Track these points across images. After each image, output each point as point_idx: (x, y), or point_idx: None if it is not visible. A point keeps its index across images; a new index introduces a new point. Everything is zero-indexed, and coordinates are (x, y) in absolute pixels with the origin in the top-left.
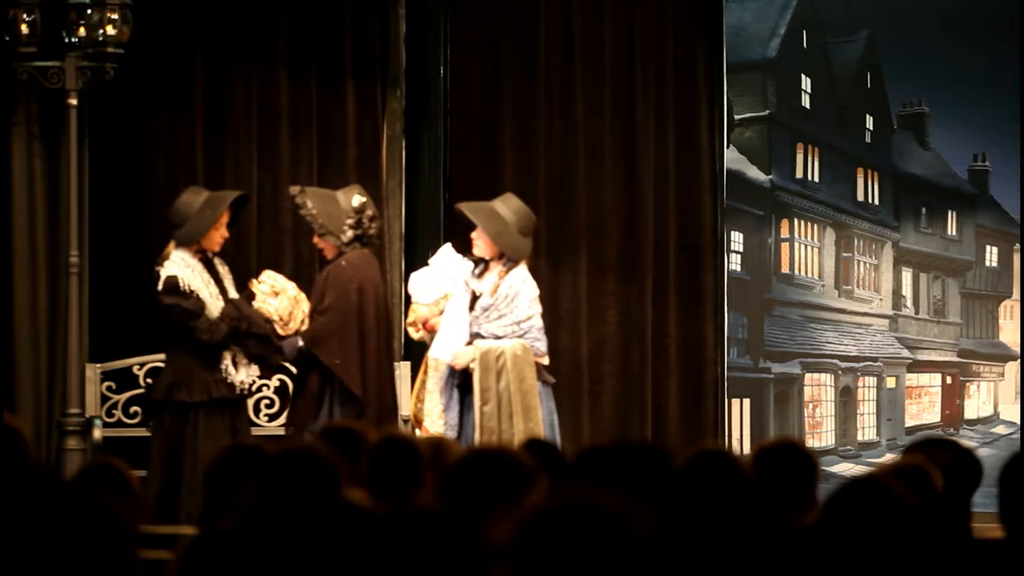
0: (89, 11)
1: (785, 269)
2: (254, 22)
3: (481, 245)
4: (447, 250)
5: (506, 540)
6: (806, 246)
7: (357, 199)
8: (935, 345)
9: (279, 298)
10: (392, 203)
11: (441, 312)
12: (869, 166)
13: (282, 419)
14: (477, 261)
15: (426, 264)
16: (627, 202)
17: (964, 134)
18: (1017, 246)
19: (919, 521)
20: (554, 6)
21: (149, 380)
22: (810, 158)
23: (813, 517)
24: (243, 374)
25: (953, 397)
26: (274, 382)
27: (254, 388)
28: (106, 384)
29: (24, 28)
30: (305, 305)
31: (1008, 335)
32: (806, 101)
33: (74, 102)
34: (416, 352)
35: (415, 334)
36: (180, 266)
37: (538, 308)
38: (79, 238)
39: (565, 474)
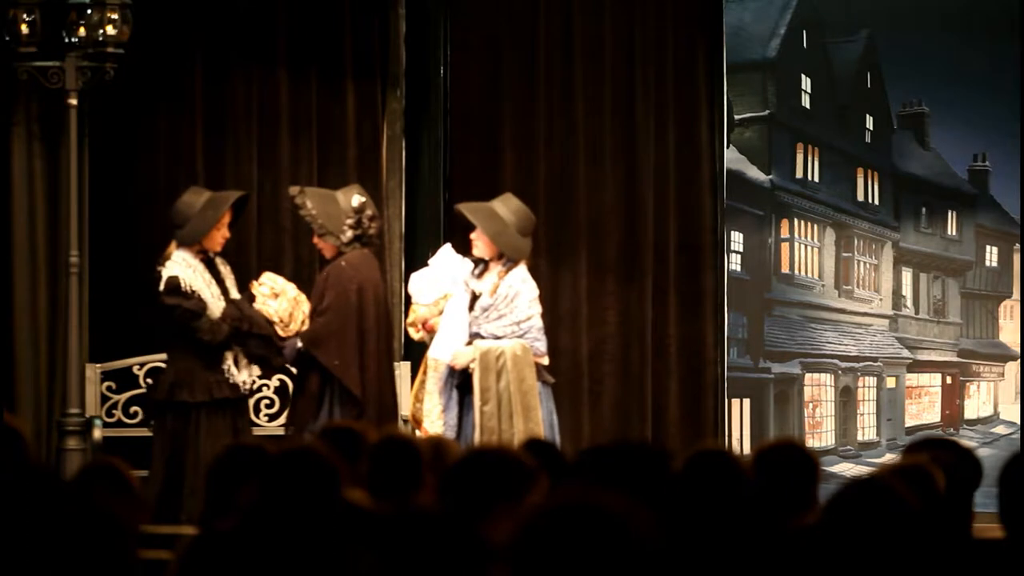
0: (89, 11)
1: (785, 269)
2: (254, 22)
3: (480, 246)
4: (447, 250)
5: (506, 540)
6: (806, 246)
7: (357, 199)
8: (935, 345)
9: (279, 300)
10: (392, 203)
11: (441, 312)
12: (869, 166)
13: (282, 419)
14: (477, 261)
15: (426, 264)
16: (627, 202)
17: (964, 134)
18: (1017, 246)
19: (921, 522)
20: (554, 6)
21: (149, 380)
22: (810, 158)
23: (814, 518)
24: (245, 374)
25: (953, 397)
26: (274, 382)
27: (254, 388)
28: (106, 384)
29: (24, 28)
30: (305, 306)
31: (1008, 335)
32: (806, 101)
33: (74, 102)
34: (416, 352)
35: (415, 334)
36: (182, 266)
37: (538, 308)
38: (79, 238)
39: (565, 474)
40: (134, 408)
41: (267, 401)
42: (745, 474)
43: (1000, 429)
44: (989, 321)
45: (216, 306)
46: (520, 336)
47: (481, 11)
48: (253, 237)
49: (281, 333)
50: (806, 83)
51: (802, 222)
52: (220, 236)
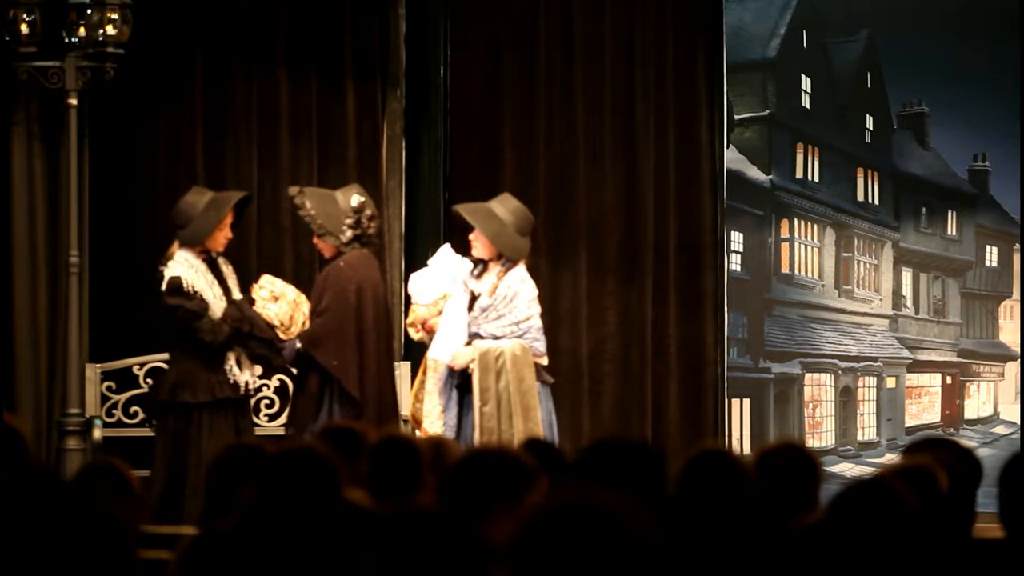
0: (89, 11)
1: (785, 269)
2: (254, 22)
3: (479, 246)
4: (446, 250)
5: (506, 540)
6: (806, 246)
7: (356, 199)
8: (935, 345)
9: (279, 303)
10: (392, 203)
11: (440, 312)
12: (869, 166)
13: (282, 419)
14: (476, 262)
15: (426, 264)
16: (627, 202)
17: (964, 134)
18: (1017, 246)
19: (923, 523)
20: (554, 6)
21: (149, 380)
22: (810, 158)
23: (815, 518)
24: (247, 374)
25: (953, 397)
26: (274, 382)
27: (256, 388)
28: (106, 384)
29: (24, 28)
30: (305, 307)
31: (1008, 335)
32: (806, 101)
33: (74, 102)
34: (416, 352)
35: (414, 334)
36: (184, 267)
37: (537, 308)
38: (79, 238)
39: (564, 472)
40: (134, 408)
41: (267, 401)
42: (747, 474)
43: (1000, 429)
44: (989, 321)
45: (218, 307)
46: (519, 336)
47: (481, 11)
48: (253, 237)
49: (282, 336)
50: (806, 83)
51: (802, 222)
52: (223, 236)
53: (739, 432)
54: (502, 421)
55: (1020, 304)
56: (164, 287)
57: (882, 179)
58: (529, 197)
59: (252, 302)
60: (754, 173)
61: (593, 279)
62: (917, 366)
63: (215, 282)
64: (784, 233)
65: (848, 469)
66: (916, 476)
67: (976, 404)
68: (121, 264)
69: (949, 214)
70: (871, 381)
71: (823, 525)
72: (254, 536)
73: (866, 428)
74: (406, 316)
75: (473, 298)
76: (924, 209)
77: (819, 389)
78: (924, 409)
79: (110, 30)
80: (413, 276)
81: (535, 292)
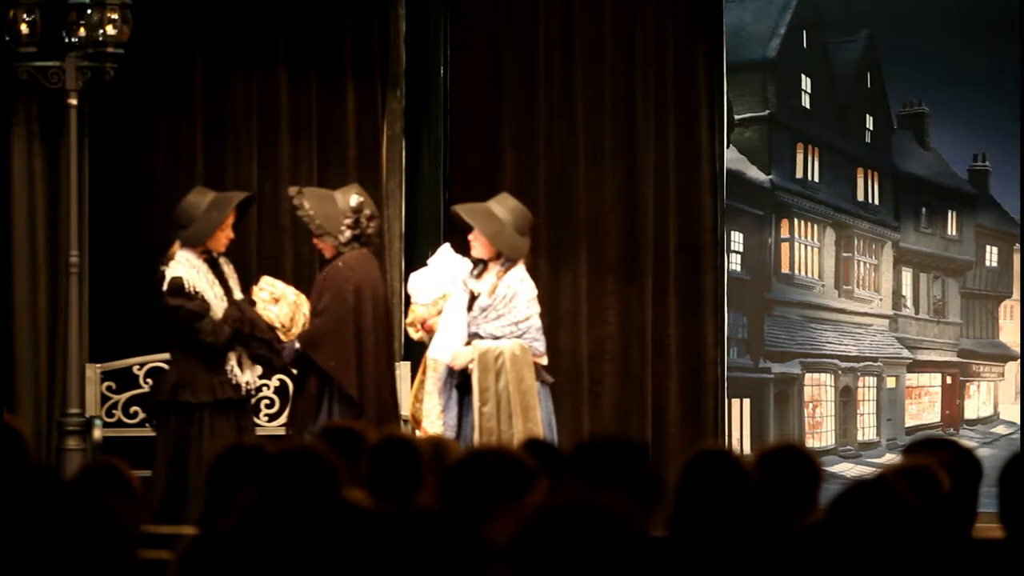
0: (89, 11)
1: (785, 269)
2: (254, 22)
3: (478, 246)
4: (446, 250)
5: (506, 540)
6: (806, 246)
7: (355, 199)
8: (935, 345)
9: (279, 305)
10: (392, 203)
11: (440, 312)
12: (869, 166)
13: (282, 419)
14: (476, 262)
15: (425, 264)
16: (627, 202)
17: (964, 134)
18: (1017, 246)
19: (924, 523)
20: (554, 6)
21: (149, 380)
22: (810, 158)
23: (815, 519)
24: (248, 375)
25: (953, 397)
26: (274, 382)
27: (256, 389)
28: (106, 384)
29: (24, 28)
30: (306, 308)
31: (1008, 335)
32: (806, 101)
33: (74, 102)
34: (416, 352)
35: (414, 334)
36: (186, 267)
37: (536, 308)
38: (79, 238)
39: (559, 472)
40: (134, 408)
41: (267, 401)
42: (747, 474)
43: (1000, 429)
44: (989, 321)
45: (219, 307)
46: (519, 336)
47: (481, 11)
48: (253, 237)
49: (283, 338)
50: (806, 83)
51: (802, 222)
52: (224, 237)
53: (739, 432)
54: (502, 421)
55: (1020, 304)
56: (165, 287)
57: (882, 179)
58: (529, 197)
59: (253, 304)
60: (754, 173)
61: (593, 279)
62: (917, 366)
63: (216, 282)
64: (784, 233)
65: (848, 469)
66: (917, 476)
67: (976, 404)
68: (121, 264)
69: (949, 214)
70: (871, 381)
71: (824, 525)
72: (254, 536)
73: (866, 428)
74: (406, 316)
75: (473, 298)
76: (924, 209)
77: (819, 389)
78: (924, 409)
79: (110, 30)
80: (413, 276)
81: (534, 292)
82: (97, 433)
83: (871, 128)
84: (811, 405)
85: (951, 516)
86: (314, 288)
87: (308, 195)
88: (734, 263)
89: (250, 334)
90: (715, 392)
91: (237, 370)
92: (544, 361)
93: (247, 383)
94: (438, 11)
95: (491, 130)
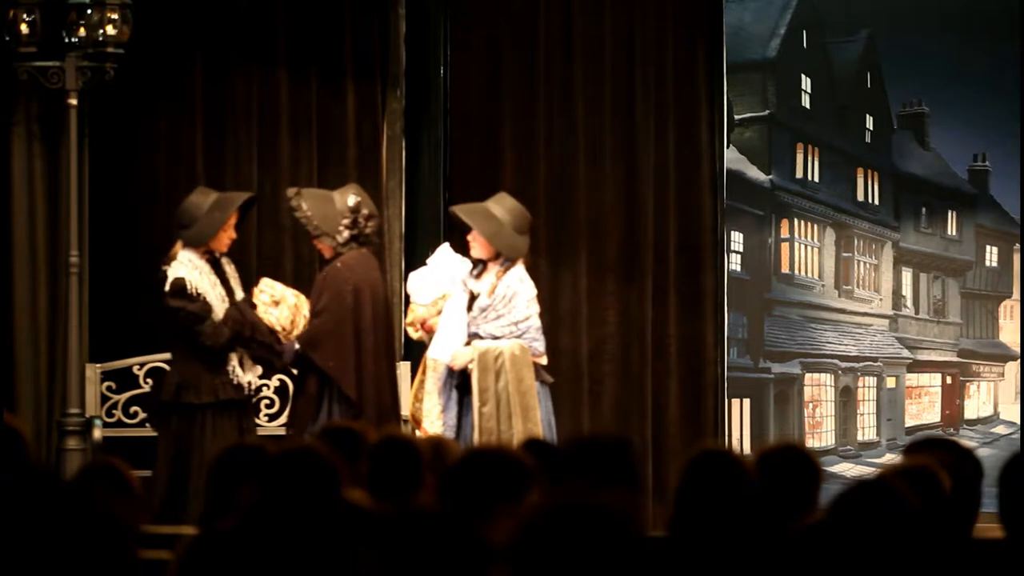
0: (89, 11)
1: (785, 269)
2: (254, 22)
3: (477, 246)
4: (445, 250)
5: (506, 540)
6: (806, 246)
7: (352, 199)
8: (935, 345)
9: (280, 307)
10: (392, 203)
11: (439, 312)
12: (869, 166)
13: (282, 419)
14: (475, 262)
15: (425, 264)
16: (627, 202)
17: (964, 134)
18: (1017, 246)
19: (924, 523)
20: (554, 6)
21: (149, 380)
22: (810, 158)
23: (815, 519)
24: (250, 375)
25: (953, 397)
26: (274, 382)
27: (257, 389)
28: (106, 384)
29: (24, 28)
30: (306, 310)
31: (1008, 335)
32: (806, 101)
33: (74, 102)
34: (416, 352)
35: (414, 334)
36: (188, 268)
37: (536, 308)
38: (79, 238)
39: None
40: (134, 408)
41: (267, 401)
42: (748, 474)
43: (1000, 429)
44: (989, 321)
45: (221, 308)
46: (518, 336)
47: (481, 11)
48: (253, 237)
49: (284, 341)
50: (806, 83)
51: (802, 222)
52: (227, 237)
53: (739, 432)
54: (501, 421)
55: (1020, 304)
56: (168, 288)
57: (882, 179)
58: (529, 197)
59: (253, 307)
60: (754, 173)
61: (593, 279)
62: (917, 366)
63: (218, 283)
64: (784, 233)
65: (848, 469)
66: (917, 476)
67: (976, 404)
68: (121, 264)
69: (949, 214)
70: (871, 381)
71: (824, 525)
72: (254, 536)
73: (866, 428)
74: (406, 316)
75: (472, 298)
76: (924, 209)
77: (819, 389)
78: (924, 409)
79: (110, 30)
80: (412, 275)
81: (534, 292)
82: (97, 433)
83: (871, 128)
84: (811, 405)
85: (951, 516)
86: (313, 289)
87: (306, 196)
88: (734, 263)
89: (250, 337)
90: (715, 392)
91: (239, 370)
92: (544, 361)
93: (248, 383)
94: (438, 11)
95: (491, 130)
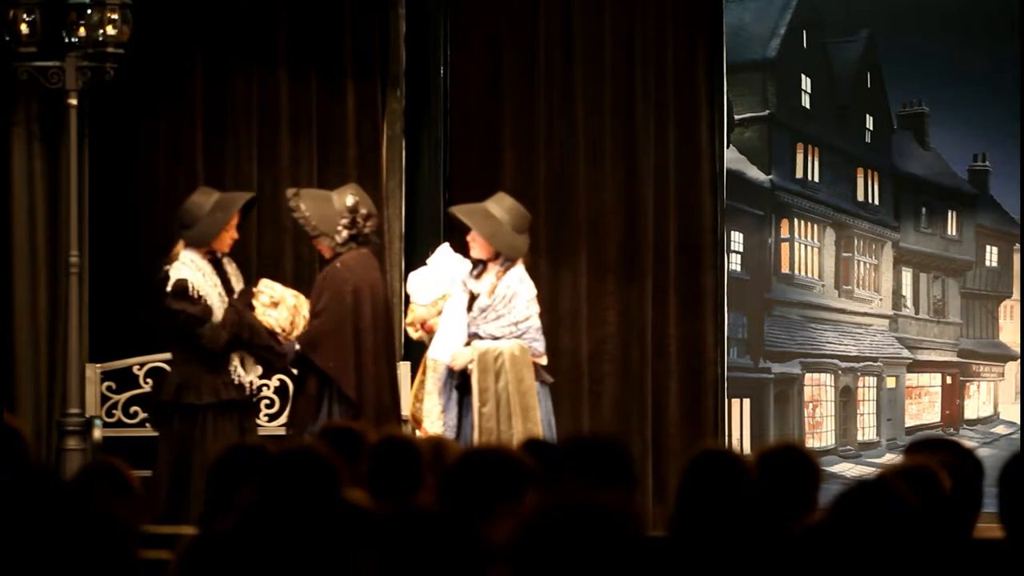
0: (89, 11)
1: (785, 269)
2: (254, 22)
3: (477, 247)
4: (445, 250)
5: (506, 540)
6: (806, 246)
7: (350, 199)
8: (935, 345)
9: (279, 308)
10: (392, 203)
11: (439, 313)
12: (869, 166)
13: (282, 419)
14: (475, 262)
15: (425, 264)
16: (627, 202)
17: (964, 134)
18: (1017, 246)
19: (925, 523)
20: (554, 6)
21: (149, 380)
22: (810, 158)
23: (814, 520)
24: (252, 375)
25: (953, 397)
26: (274, 382)
27: (258, 389)
28: (106, 384)
29: (24, 28)
30: (305, 311)
31: (1008, 335)
32: (806, 101)
33: (74, 102)
34: (416, 352)
35: (414, 334)
36: (191, 268)
37: (536, 308)
38: (79, 238)
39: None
40: (134, 408)
41: (267, 401)
42: (748, 474)
43: (1000, 429)
44: (989, 321)
45: (222, 310)
46: (518, 336)
47: (481, 11)
48: (253, 237)
49: (284, 342)
50: (806, 83)
51: (802, 222)
52: (229, 237)
53: (739, 432)
54: (501, 421)
55: (1020, 304)
56: (169, 288)
57: (882, 179)
58: (529, 197)
59: (252, 309)
60: (754, 173)
61: (593, 279)
62: (917, 366)
63: (220, 283)
64: (784, 233)
65: (848, 469)
66: (917, 476)
67: (976, 404)
68: (121, 264)
69: (949, 214)
70: (871, 381)
71: (825, 525)
72: (254, 536)
73: (866, 428)
74: (406, 316)
75: (472, 298)
76: (924, 209)
77: (819, 389)
78: (924, 409)
79: (110, 30)
80: (412, 275)
81: (534, 292)
82: (97, 433)
83: (871, 128)
84: (811, 405)
85: (952, 516)
86: (313, 289)
87: (304, 197)
88: (734, 263)
89: (248, 340)
90: (715, 392)
91: (241, 371)
92: (544, 361)
93: (250, 383)
94: (438, 11)
95: (491, 130)
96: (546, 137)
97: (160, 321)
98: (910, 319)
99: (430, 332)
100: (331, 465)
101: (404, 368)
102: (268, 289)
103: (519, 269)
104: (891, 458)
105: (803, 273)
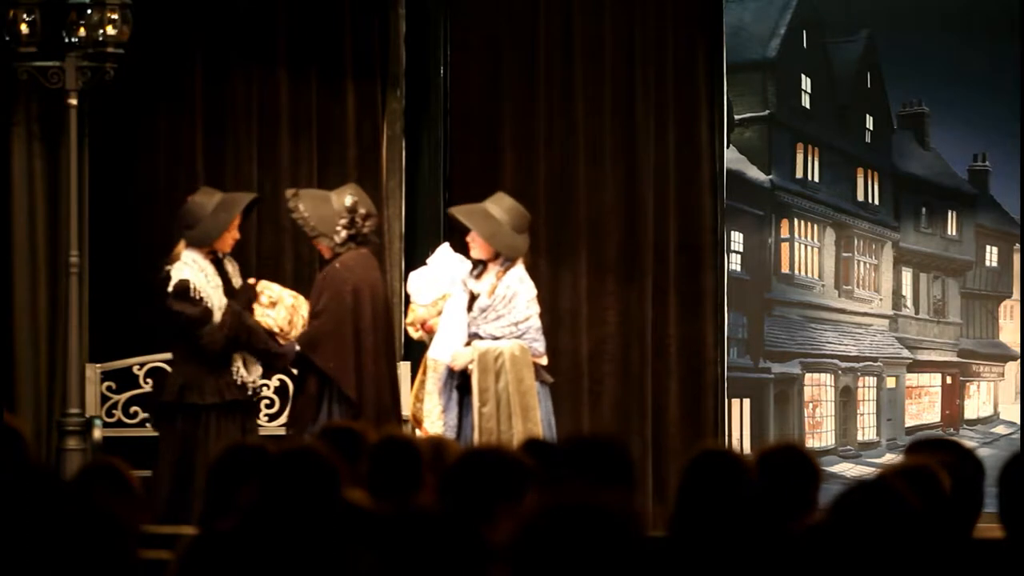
0: (89, 11)
1: (785, 269)
2: (254, 22)
3: (477, 247)
4: (445, 249)
5: (506, 540)
6: (806, 246)
7: (349, 199)
8: (935, 345)
9: (276, 308)
10: (392, 203)
11: (439, 313)
12: (869, 166)
13: (282, 419)
14: (475, 262)
15: (425, 264)
16: (627, 202)
17: (964, 134)
18: (1017, 246)
19: (925, 522)
20: (554, 6)
21: (149, 380)
22: (810, 158)
23: (814, 520)
24: (254, 375)
25: (953, 397)
26: (274, 382)
27: (258, 389)
28: (106, 384)
29: (24, 28)
30: (304, 310)
31: (1008, 335)
32: (806, 101)
33: (74, 102)
34: (416, 352)
35: (414, 334)
36: (193, 269)
37: (536, 308)
38: (79, 238)
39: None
40: (134, 408)
41: (267, 401)
42: (749, 475)
43: (1000, 429)
44: (989, 321)
45: (222, 311)
46: (518, 336)
47: (481, 11)
48: (253, 237)
49: (282, 342)
50: (806, 83)
51: (802, 222)
52: (231, 238)
53: (739, 432)
54: (501, 422)
55: (1020, 304)
56: (171, 288)
57: (882, 179)
58: (529, 197)
59: (251, 310)
60: (754, 173)
61: (593, 279)
62: (917, 366)
63: (221, 284)
64: (784, 233)
65: (848, 469)
66: (917, 476)
67: (976, 404)
68: (121, 264)
69: (949, 214)
70: (871, 381)
71: (825, 525)
72: (254, 536)
73: (866, 428)
74: (406, 316)
75: (472, 298)
76: (924, 209)
77: (819, 389)
78: (924, 409)
79: (110, 30)
80: (412, 275)
81: (534, 292)
82: (97, 433)
83: (871, 128)
84: (811, 405)
85: (952, 516)
86: (313, 289)
87: (303, 197)
88: (734, 263)
89: (247, 340)
90: (715, 392)
91: (243, 371)
92: (544, 361)
93: (253, 382)
94: (438, 11)
95: (491, 130)
96: (546, 137)
97: (161, 321)
98: (910, 319)
99: (430, 332)
100: (331, 465)
101: (404, 368)
102: (266, 290)
103: (519, 269)
104: (891, 458)
105: (803, 273)
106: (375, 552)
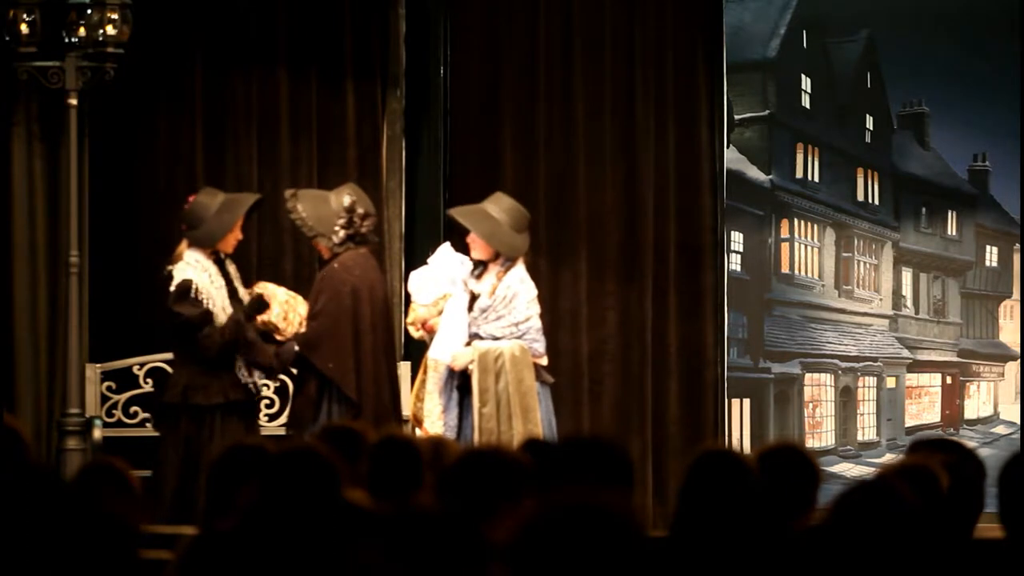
0: (89, 11)
1: (785, 269)
2: (254, 22)
3: (476, 248)
4: (446, 249)
5: (506, 540)
6: (806, 246)
7: (347, 198)
8: (935, 345)
9: (271, 305)
10: (392, 203)
11: (440, 313)
12: (869, 166)
13: (282, 419)
14: (476, 263)
15: (425, 264)
16: (627, 202)
17: (964, 134)
18: (1017, 246)
19: (925, 522)
20: (554, 6)
21: (149, 380)
22: (810, 158)
23: (814, 520)
24: (257, 375)
25: (953, 397)
26: (274, 383)
27: (259, 388)
28: (106, 384)
29: (24, 28)
30: (301, 308)
31: (1008, 335)
32: (806, 101)
33: (74, 102)
34: (416, 352)
35: (415, 334)
36: (196, 270)
37: (536, 309)
38: (79, 238)
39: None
40: (134, 408)
41: (267, 401)
42: (752, 475)
43: (1000, 429)
44: (989, 321)
45: (224, 316)
46: (519, 337)
47: (481, 11)
48: (253, 237)
49: (279, 338)
50: (806, 83)
51: (802, 222)
52: (233, 239)
53: (739, 432)
54: (501, 422)
55: (1020, 304)
56: (173, 289)
57: (882, 179)
58: (529, 197)
59: (251, 319)
60: (754, 173)
61: (593, 279)
62: (917, 366)
63: (223, 285)
64: (784, 233)
65: (848, 469)
66: (917, 476)
67: (976, 404)
68: (121, 264)
69: (949, 214)
70: (871, 381)
71: (825, 525)
72: (254, 536)
73: (866, 428)
74: (406, 316)
75: (473, 298)
76: (924, 209)
77: (819, 389)
78: (924, 409)
79: (110, 30)
80: (412, 275)
81: (534, 292)
82: (97, 433)
83: (871, 128)
84: (811, 405)
85: (952, 516)
86: (312, 290)
87: (302, 197)
88: (734, 263)
89: (244, 353)
90: (715, 392)
91: (245, 371)
92: (544, 361)
93: (255, 383)
94: (438, 11)
95: (491, 130)
96: (546, 137)
97: (163, 319)
98: (910, 319)
99: (431, 332)
100: (331, 465)
101: (404, 368)
102: (262, 289)
103: (520, 269)
104: (891, 458)
105: (803, 273)
106: (375, 552)
